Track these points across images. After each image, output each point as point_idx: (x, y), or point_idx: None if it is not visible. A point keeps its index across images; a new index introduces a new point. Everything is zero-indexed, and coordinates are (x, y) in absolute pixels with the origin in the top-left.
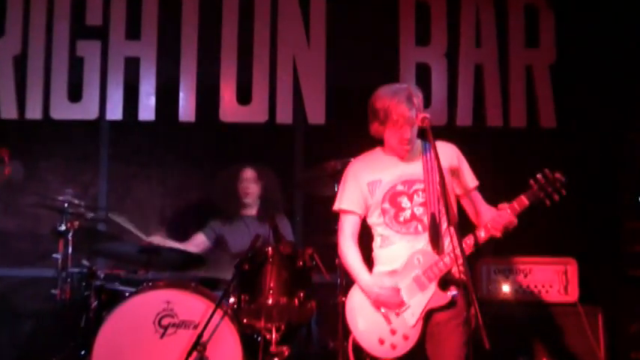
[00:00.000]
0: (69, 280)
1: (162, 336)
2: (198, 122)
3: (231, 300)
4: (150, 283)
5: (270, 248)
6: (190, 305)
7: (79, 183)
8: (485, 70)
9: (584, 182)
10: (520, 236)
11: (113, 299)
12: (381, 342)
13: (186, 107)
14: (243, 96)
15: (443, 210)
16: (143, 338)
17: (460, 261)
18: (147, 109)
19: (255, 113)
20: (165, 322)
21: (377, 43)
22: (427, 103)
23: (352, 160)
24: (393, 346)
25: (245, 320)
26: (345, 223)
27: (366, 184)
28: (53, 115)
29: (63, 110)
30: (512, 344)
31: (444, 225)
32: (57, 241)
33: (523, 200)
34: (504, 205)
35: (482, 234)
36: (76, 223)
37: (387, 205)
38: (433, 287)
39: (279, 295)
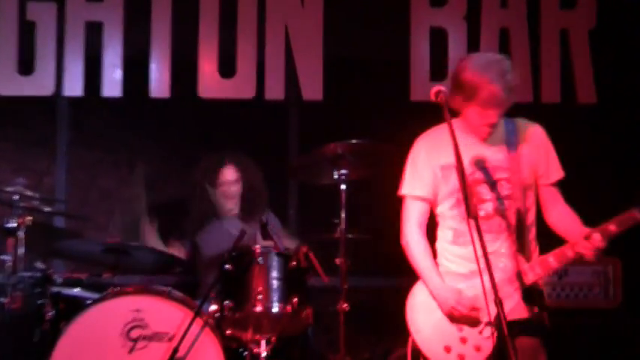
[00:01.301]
0: (20, 286)
1: (131, 350)
2: (174, 99)
3: (213, 307)
4: (117, 289)
5: (257, 247)
6: (164, 314)
7: (33, 171)
8: (513, 36)
9: (629, 169)
10: (552, 232)
11: (73, 308)
12: (447, 350)
13: (159, 81)
14: (226, 68)
15: (528, 204)
16: (108, 353)
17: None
18: (112, 83)
19: (240, 88)
20: (134, 334)
21: (384, 4)
22: (443, 73)
23: (421, 136)
24: (461, 357)
25: (229, 331)
26: (411, 210)
27: (440, 168)
28: (0, 91)
29: (12, 85)
30: None
31: (530, 224)
32: (5, 240)
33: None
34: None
35: (569, 252)
36: (29, 219)
37: (462, 195)
38: (516, 297)
39: (269, 302)
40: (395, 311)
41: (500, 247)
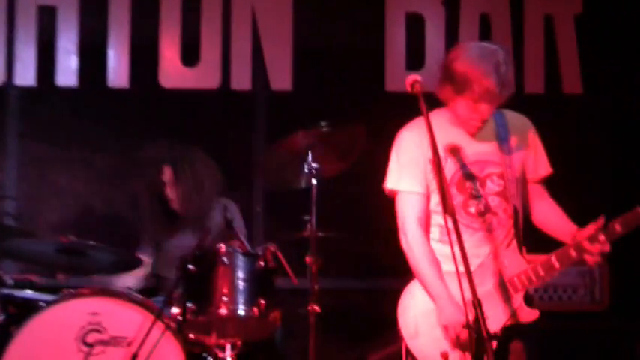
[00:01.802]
0: None
1: (87, 356)
2: (133, 88)
3: (175, 310)
4: (72, 291)
5: (222, 245)
6: (123, 317)
7: None
8: (494, 22)
9: (616, 161)
10: (535, 229)
11: (25, 311)
12: (445, 356)
13: (118, 70)
14: (189, 56)
15: (524, 200)
16: (63, 358)
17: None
18: (67, 71)
19: (204, 77)
20: (91, 338)
21: None
22: (420, 62)
23: (406, 127)
24: None
25: (192, 335)
26: (406, 205)
27: (429, 161)
28: None
29: None
30: None
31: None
32: None
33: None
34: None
35: (573, 253)
36: None
37: (453, 191)
38: (519, 299)
39: (234, 304)
40: (370, 315)
41: (495, 246)
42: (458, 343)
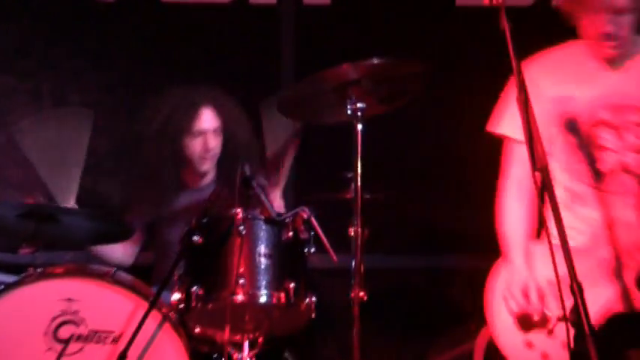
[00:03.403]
0: None
1: (60, 355)
2: (122, 2)
3: (176, 296)
4: (39, 270)
5: (238, 210)
6: (107, 305)
7: None
8: None
9: None
10: None
11: None
12: (529, 346)
13: None
14: None
15: None
16: (28, 358)
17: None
18: None
19: None
20: (64, 332)
21: None
22: None
23: (531, 57)
24: (545, 356)
25: (198, 329)
26: (514, 159)
27: (550, 100)
28: None
29: None
30: None
31: None
32: None
33: None
34: None
35: None
36: None
37: (576, 139)
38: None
39: (254, 288)
40: (431, 302)
41: (626, 213)
42: (522, 322)
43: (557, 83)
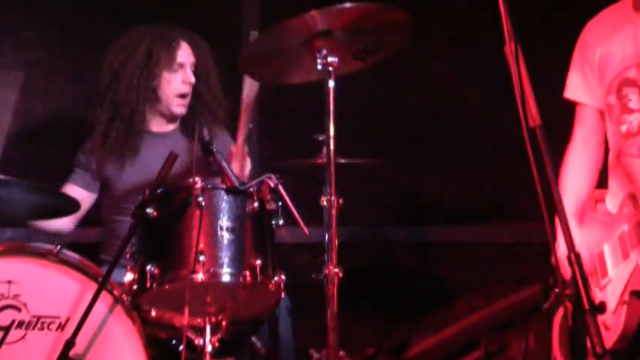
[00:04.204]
0: None
1: None
2: None
3: (128, 277)
4: None
5: (197, 179)
6: (51, 287)
7: None
8: None
9: None
10: None
11: None
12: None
13: None
14: None
15: None
16: None
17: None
18: None
19: None
20: (4, 318)
21: None
22: None
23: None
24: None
25: (154, 313)
26: (576, 120)
27: (598, 60)
28: None
29: None
30: None
31: None
32: None
33: None
34: None
35: None
36: None
37: (612, 99)
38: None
39: (216, 266)
40: (414, 278)
41: None
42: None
43: (604, 39)
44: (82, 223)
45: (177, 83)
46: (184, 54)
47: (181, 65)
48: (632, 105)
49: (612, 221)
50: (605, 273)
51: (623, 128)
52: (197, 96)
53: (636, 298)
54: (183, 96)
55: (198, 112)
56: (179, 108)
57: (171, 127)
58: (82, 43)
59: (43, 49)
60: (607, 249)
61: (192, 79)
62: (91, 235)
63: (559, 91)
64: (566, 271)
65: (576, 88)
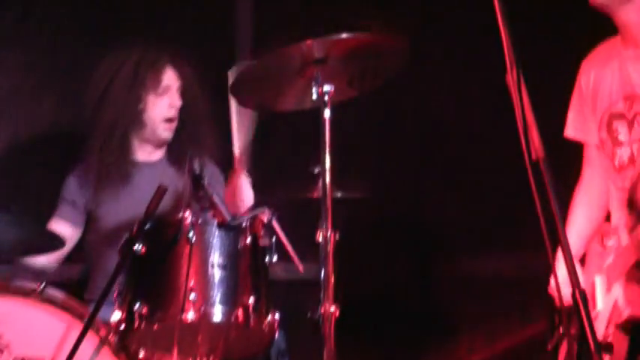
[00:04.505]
0: None
1: None
2: None
3: (115, 316)
4: None
5: (188, 213)
6: (35, 327)
7: None
8: None
9: None
10: None
11: None
12: None
13: None
14: None
15: None
16: None
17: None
18: None
19: None
20: None
21: None
22: None
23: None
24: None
25: (142, 354)
26: (583, 159)
27: (591, 96)
28: None
29: None
30: None
31: None
32: None
33: None
34: None
35: None
36: None
37: (604, 134)
38: (618, 289)
39: (207, 304)
40: (416, 313)
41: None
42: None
43: (595, 72)
44: (68, 259)
45: (163, 107)
46: (170, 77)
47: (167, 88)
48: (621, 138)
49: (603, 252)
50: (594, 305)
51: (616, 162)
52: (182, 122)
53: (621, 331)
54: (169, 120)
55: (185, 139)
56: (165, 132)
57: (157, 155)
58: (70, 67)
59: (29, 72)
60: (597, 280)
61: (179, 103)
62: (77, 272)
63: (563, 121)
64: (565, 297)
65: (575, 126)
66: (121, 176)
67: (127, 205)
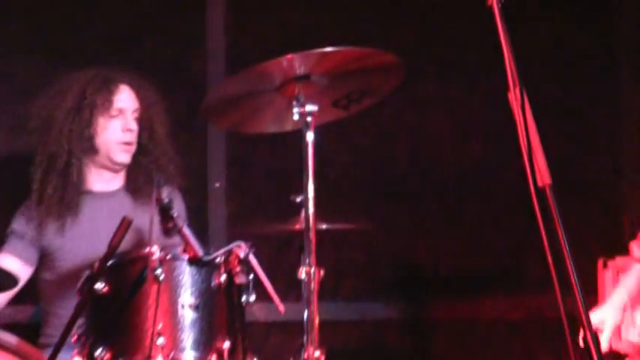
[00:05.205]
0: None
1: None
2: None
3: None
4: None
5: (156, 248)
6: None
7: None
8: None
9: None
10: None
11: None
12: None
13: None
14: None
15: None
16: None
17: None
18: None
19: None
20: None
21: None
22: None
23: None
24: None
25: None
26: None
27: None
28: None
29: None
30: None
31: None
32: None
33: None
34: None
35: None
36: None
37: None
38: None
39: (177, 349)
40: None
41: None
42: None
43: None
44: (17, 299)
45: (115, 130)
46: (125, 98)
47: (121, 111)
48: None
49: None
50: None
51: None
52: (142, 148)
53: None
54: (126, 144)
55: (145, 166)
56: (122, 155)
57: (115, 185)
58: (22, 93)
59: None
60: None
61: (134, 127)
62: (28, 315)
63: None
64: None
65: None
66: (68, 208)
67: (82, 240)
